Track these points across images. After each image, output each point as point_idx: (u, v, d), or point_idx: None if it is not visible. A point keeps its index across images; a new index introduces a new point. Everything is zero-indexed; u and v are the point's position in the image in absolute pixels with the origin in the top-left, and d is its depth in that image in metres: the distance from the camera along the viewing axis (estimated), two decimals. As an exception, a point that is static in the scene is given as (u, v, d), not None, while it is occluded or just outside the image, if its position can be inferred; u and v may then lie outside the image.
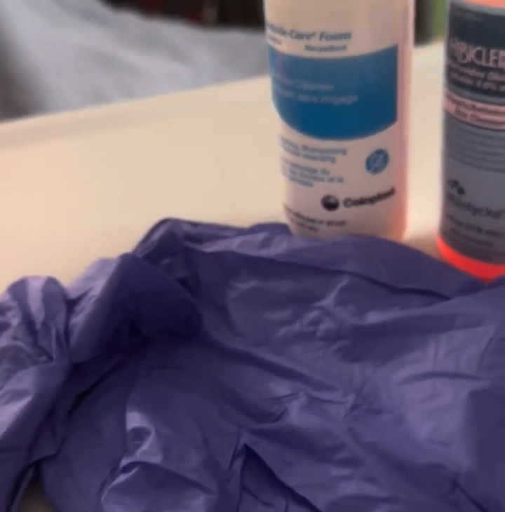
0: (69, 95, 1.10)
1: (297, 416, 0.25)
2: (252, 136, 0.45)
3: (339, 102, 0.30)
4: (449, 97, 0.30)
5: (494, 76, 0.28)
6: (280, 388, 0.26)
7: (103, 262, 0.31)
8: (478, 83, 0.29)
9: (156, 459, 0.23)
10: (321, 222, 0.33)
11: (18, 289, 0.30)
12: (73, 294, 0.29)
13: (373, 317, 0.28)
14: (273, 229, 0.33)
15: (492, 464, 0.22)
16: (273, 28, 0.30)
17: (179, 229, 0.33)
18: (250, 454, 0.25)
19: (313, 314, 0.29)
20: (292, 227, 0.34)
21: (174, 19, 1.29)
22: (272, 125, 0.34)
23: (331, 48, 0.29)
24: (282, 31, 0.30)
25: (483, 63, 0.28)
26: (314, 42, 0.29)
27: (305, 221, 0.33)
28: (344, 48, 0.29)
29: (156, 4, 1.36)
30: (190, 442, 0.24)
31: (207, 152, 0.45)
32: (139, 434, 0.25)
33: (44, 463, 0.25)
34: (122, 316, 0.28)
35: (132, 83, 1.15)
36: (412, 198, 0.36)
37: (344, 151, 0.31)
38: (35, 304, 0.28)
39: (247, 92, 0.51)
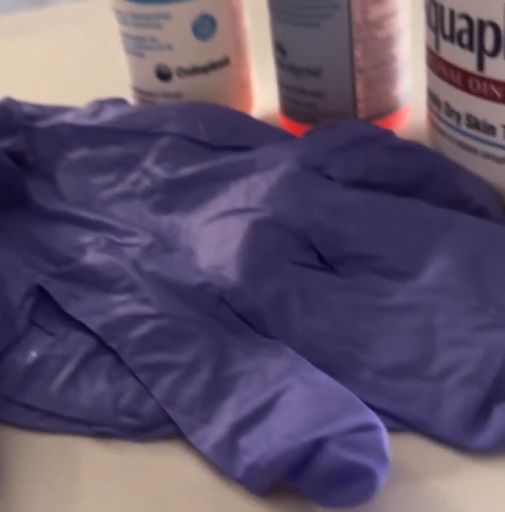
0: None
1: (90, 256, 0.25)
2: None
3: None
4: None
5: None
6: (86, 237, 0.27)
7: None
8: None
9: None
10: (158, 95, 0.33)
11: None
12: None
13: (185, 171, 0.29)
14: (109, 102, 0.33)
15: (258, 281, 0.23)
16: None
17: (16, 107, 0.33)
18: (45, 295, 0.25)
19: (134, 176, 0.30)
20: (135, 105, 0.35)
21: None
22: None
23: None
24: None
25: None
26: None
27: (144, 96, 0.34)
28: None
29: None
30: (-20, 281, 0.25)
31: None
32: None
33: None
34: None
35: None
36: (257, 73, 0.36)
37: (168, 16, 0.31)
38: None
39: None
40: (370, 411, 0.18)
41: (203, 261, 0.25)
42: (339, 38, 0.30)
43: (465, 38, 0.25)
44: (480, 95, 0.25)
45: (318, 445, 0.17)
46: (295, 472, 0.18)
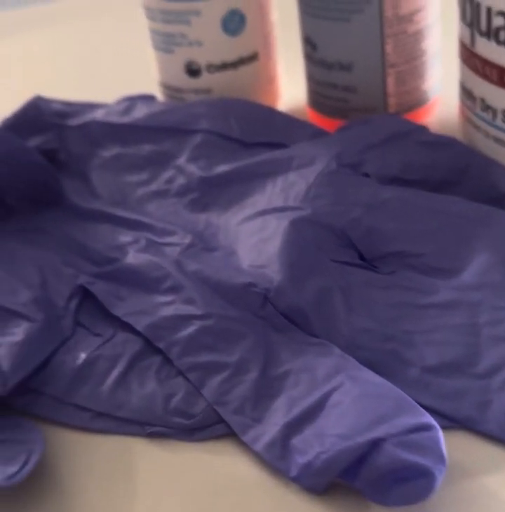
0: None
1: (132, 256, 0.26)
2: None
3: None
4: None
5: None
6: (125, 237, 0.27)
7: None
8: None
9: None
10: (187, 91, 0.33)
11: None
12: None
13: (220, 168, 0.29)
14: (139, 99, 0.33)
15: (301, 280, 0.23)
16: None
17: (46, 105, 0.33)
18: (87, 295, 0.25)
19: (168, 173, 0.30)
20: (165, 101, 0.35)
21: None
22: None
23: None
24: None
25: None
26: None
27: (173, 92, 0.34)
28: None
29: None
30: (24, 282, 0.25)
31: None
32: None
33: None
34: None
35: None
36: (284, 66, 0.36)
37: (197, 13, 0.31)
38: None
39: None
40: (423, 410, 0.19)
41: (245, 261, 0.25)
42: (370, 33, 0.30)
43: (502, 35, 0.25)
44: (516, 90, 0.25)
45: (374, 445, 0.18)
46: (351, 471, 0.18)
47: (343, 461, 0.18)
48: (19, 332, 0.23)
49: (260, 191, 0.27)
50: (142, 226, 0.28)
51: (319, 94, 0.32)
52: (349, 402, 0.20)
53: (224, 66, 0.33)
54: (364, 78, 0.31)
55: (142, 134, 0.31)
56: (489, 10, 0.25)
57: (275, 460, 0.20)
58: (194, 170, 0.29)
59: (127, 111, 0.32)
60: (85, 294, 0.25)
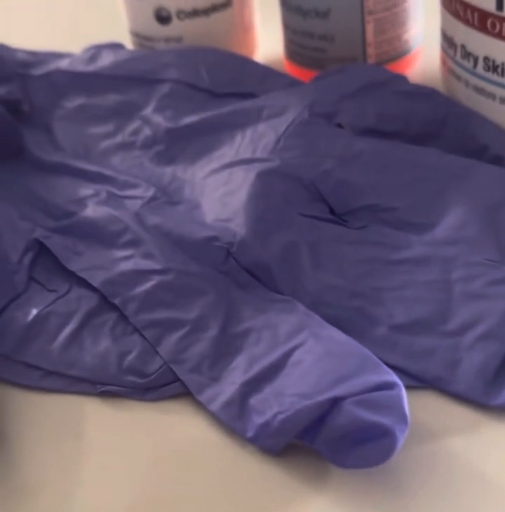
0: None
1: (91, 209, 0.24)
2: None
3: None
4: None
5: None
6: (86, 190, 0.26)
7: None
8: None
9: None
10: (158, 39, 0.32)
11: None
12: None
13: (188, 119, 0.27)
14: (105, 47, 0.32)
15: (267, 234, 0.22)
16: None
17: (9, 54, 0.32)
18: (44, 250, 0.24)
19: (134, 125, 0.28)
20: (134, 50, 0.33)
21: None
22: None
23: None
24: None
25: None
26: None
27: (142, 41, 0.32)
28: None
29: None
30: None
31: None
32: None
33: None
34: None
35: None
36: (262, 16, 0.34)
37: (166, -45, 0.30)
38: None
39: None
40: (387, 368, 0.18)
41: (209, 214, 0.24)
42: (348, -23, 0.28)
43: (485, -26, 0.23)
44: (499, 36, 0.24)
45: (333, 404, 0.17)
46: (309, 432, 0.17)
47: (301, 421, 0.17)
48: (-33, 288, 0.22)
49: (229, 143, 0.26)
50: (104, 178, 0.26)
51: (296, 44, 0.31)
52: (311, 361, 0.19)
53: (195, 12, 0.31)
54: (342, 26, 0.29)
55: (107, 83, 0.29)
56: None
57: (232, 420, 0.19)
58: (161, 121, 0.28)
59: (92, 59, 0.30)
60: (41, 249, 0.24)
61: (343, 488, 0.17)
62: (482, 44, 0.24)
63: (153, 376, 0.20)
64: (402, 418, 0.16)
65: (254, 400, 0.19)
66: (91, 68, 0.30)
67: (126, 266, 0.22)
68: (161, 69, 0.29)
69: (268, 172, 0.23)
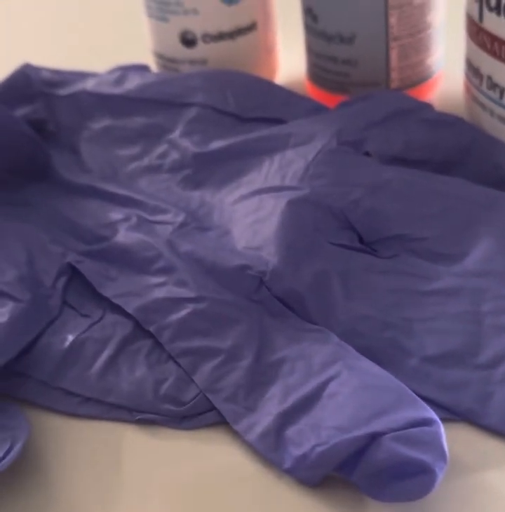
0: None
1: (122, 235, 0.25)
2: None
3: None
4: None
5: None
6: (116, 214, 0.26)
7: None
8: None
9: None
10: (182, 62, 0.32)
11: None
12: None
13: (215, 144, 0.28)
14: (132, 69, 0.32)
15: (298, 262, 0.22)
16: None
17: (35, 73, 0.32)
18: (76, 275, 0.24)
19: (161, 148, 0.29)
20: (158, 72, 0.33)
21: None
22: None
23: None
24: None
25: None
26: None
27: (167, 62, 0.33)
28: None
29: None
30: (9, 261, 0.24)
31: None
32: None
33: None
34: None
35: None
36: (283, 38, 0.34)
37: (194, -20, 0.30)
38: None
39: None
40: (424, 404, 0.18)
41: (239, 241, 0.24)
42: (374, 4, 0.28)
43: (513, 9, 0.24)
44: (525, 68, 0.24)
45: (372, 439, 0.17)
46: (347, 465, 0.18)
47: (339, 454, 0.18)
48: (4, 312, 0.22)
49: (256, 169, 0.26)
50: (134, 203, 0.27)
51: (319, 67, 0.31)
52: (347, 393, 0.19)
53: (221, 36, 0.31)
54: (366, 51, 0.29)
55: (134, 106, 0.30)
56: (500, -17, 0.24)
57: (269, 451, 0.19)
58: (188, 145, 0.28)
59: (119, 81, 0.31)
60: (73, 274, 0.24)
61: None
62: (509, 76, 0.25)
63: (189, 405, 0.20)
64: (442, 455, 0.17)
65: (290, 432, 0.19)
66: (118, 90, 0.30)
67: (160, 293, 0.22)
68: (188, 92, 0.29)
69: (299, 201, 0.24)
